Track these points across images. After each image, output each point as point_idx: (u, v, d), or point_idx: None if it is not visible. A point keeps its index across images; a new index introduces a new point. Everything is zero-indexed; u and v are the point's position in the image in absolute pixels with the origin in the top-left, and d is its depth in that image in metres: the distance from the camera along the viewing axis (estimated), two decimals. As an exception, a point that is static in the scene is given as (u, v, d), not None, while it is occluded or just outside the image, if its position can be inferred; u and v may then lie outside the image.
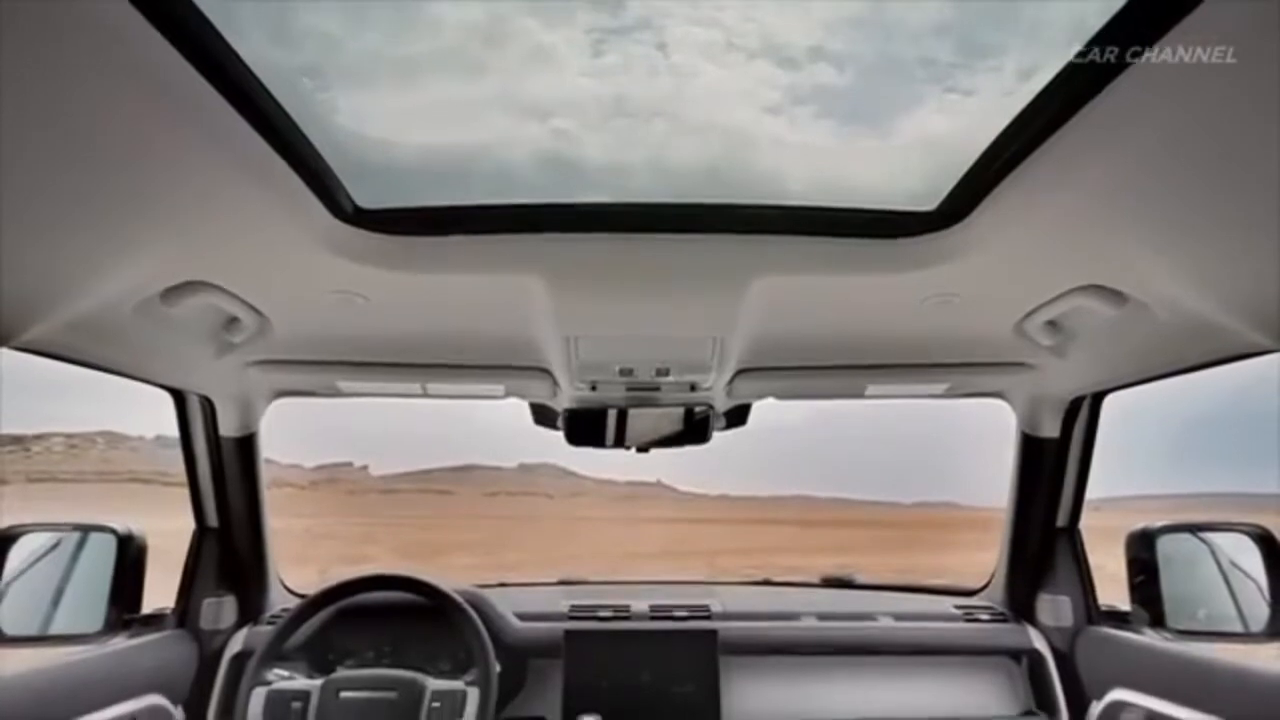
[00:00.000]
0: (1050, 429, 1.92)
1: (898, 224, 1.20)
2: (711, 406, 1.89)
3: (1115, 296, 1.32)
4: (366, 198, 1.15)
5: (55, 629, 1.72)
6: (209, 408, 1.90)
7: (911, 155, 1.12)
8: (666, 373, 1.70)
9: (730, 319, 1.44)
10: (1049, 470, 1.97)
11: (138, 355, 1.54)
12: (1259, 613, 1.60)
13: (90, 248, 1.10)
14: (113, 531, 1.79)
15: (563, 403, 1.90)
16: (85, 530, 1.82)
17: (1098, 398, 1.88)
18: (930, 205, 1.16)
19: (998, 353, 1.71)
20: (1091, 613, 1.98)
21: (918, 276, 1.28)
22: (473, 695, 1.68)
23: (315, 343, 1.69)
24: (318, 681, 1.70)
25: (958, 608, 2.15)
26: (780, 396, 1.93)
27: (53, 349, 1.33)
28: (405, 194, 1.17)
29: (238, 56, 0.83)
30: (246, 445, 1.98)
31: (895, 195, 1.17)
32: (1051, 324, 1.53)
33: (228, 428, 1.93)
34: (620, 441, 1.98)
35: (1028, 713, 1.99)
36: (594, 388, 1.78)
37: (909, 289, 1.35)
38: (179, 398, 1.88)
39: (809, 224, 1.20)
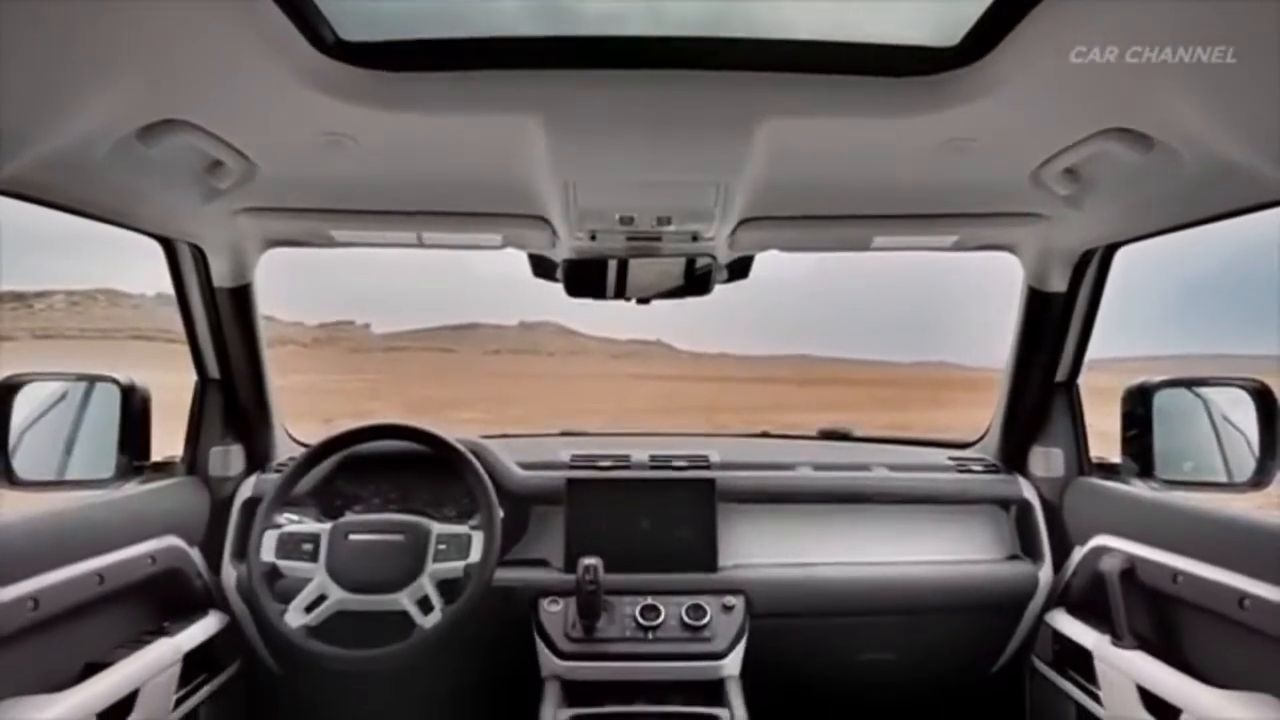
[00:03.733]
0: (1058, 283, 1.89)
1: (914, 61, 1.11)
2: (714, 258, 1.84)
3: (1142, 140, 1.25)
4: (350, 31, 1.06)
5: (69, 475, 1.76)
6: (201, 257, 1.86)
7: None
8: (668, 221, 1.65)
9: (736, 164, 1.38)
10: (1053, 325, 1.96)
11: (120, 200, 1.48)
12: (1245, 464, 1.63)
13: (56, 81, 1.04)
14: (115, 382, 1.80)
15: (562, 253, 1.86)
16: (89, 380, 1.83)
17: (1109, 251, 1.83)
18: (949, 42, 1.08)
19: (1011, 203, 1.65)
20: (1083, 465, 2.02)
21: (933, 119, 1.21)
22: (477, 539, 1.74)
23: (305, 189, 1.62)
24: (327, 525, 1.76)
25: (951, 459, 2.20)
26: (784, 248, 1.89)
27: (30, 191, 1.28)
28: (391, 29, 1.08)
29: None
30: (242, 296, 1.96)
31: (912, 33, 1.09)
32: (1070, 172, 1.46)
33: (221, 278, 1.90)
34: (620, 293, 1.95)
35: (1013, 557, 2.07)
36: (593, 237, 1.74)
37: (923, 133, 1.28)
38: (169, 247, 1.84)
39: (820, 60, 1.12)
